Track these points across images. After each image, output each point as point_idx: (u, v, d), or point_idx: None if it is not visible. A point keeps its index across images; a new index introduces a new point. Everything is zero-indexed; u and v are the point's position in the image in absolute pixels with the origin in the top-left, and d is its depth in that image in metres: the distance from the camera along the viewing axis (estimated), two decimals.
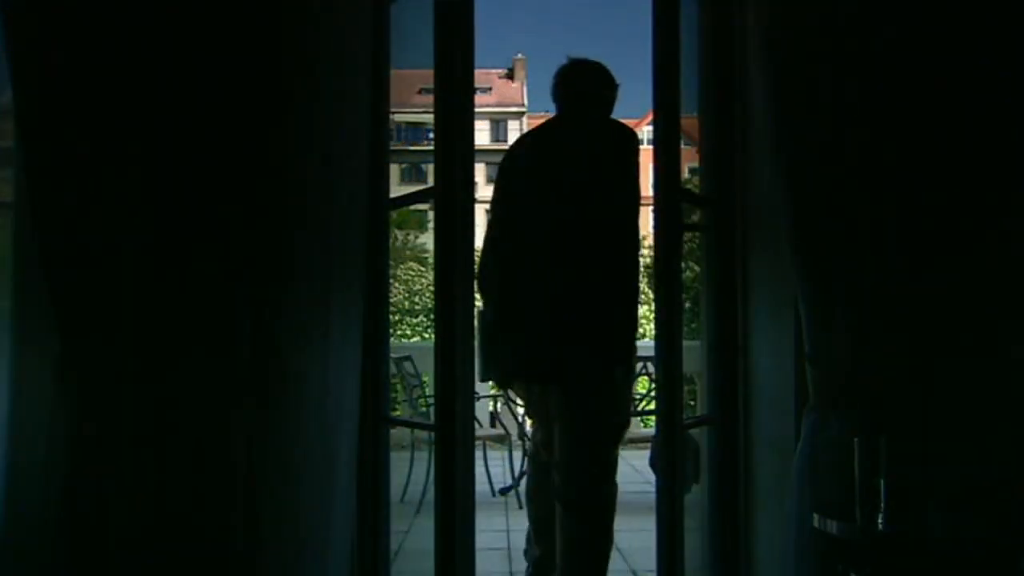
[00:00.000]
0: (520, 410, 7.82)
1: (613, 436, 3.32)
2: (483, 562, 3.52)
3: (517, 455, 6.41)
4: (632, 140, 3.30)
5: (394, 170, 3.30)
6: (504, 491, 6.21)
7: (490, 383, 8.23)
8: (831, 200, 2.69)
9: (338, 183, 2.79)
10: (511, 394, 6.65)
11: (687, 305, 3.31)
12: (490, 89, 52.76)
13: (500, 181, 3.51)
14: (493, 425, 7.52)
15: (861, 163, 2.67)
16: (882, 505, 2.40)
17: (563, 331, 3.18)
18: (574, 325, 3.16)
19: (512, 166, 3.47)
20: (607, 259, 3.20)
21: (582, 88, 3.38)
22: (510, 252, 3.35)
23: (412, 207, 3.29)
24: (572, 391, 3.20)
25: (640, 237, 3.36)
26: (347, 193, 2.84)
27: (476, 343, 2.92)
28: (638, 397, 6.96)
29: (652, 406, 5.88)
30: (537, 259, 3.25)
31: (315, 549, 2.69)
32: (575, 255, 3.19)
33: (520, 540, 4.91)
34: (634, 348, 3.29)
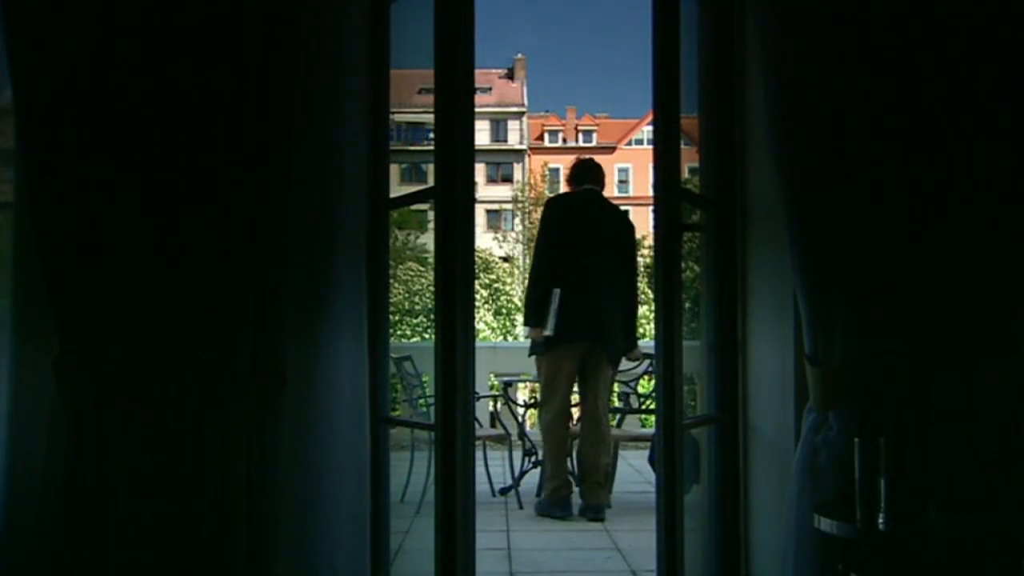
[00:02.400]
0: (520, 410, 7.83)
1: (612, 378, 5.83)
2: (483, 562, 3.52)
3: (517, 455, 6.41)
4: (627, 217, 5.95)
5: (394, 170, 3.30)
6: (504, 491, 6.20)
7: (491, 382, 8.33)
8: (831, 200, 2.69)
9: (338, 182, 2.78)
10: (511, 394, 6.78)
11: (687, 305, 3.32)
12: (490, 89, 52.76)
13: (553, 225, 5.47)
14: (493, 425, 7.51)
15: (861, 163, 2.68)
16: (882, 505, 2.40)
17: (604, 319, 5.35)
18: (610, 316, 5.36)
19: (562, 217, 5.51)
20: (623, 280, 5.42)
21: (594, 174, 5.69)
22: (564, 270, 5.31)
23: (412, 207, 3.29)
24: (605, 351, 5.42)
25: (636, 269, 5.72)
26: (348, 192, 2.83)
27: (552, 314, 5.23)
28: (642, 397, 6.98)
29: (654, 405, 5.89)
30: (586, 277, 5.29)
31: (319, 547, 2.69)
32: (608, 275, 5.33)
33: (520, 541, 4.92)
34: (635, 331, 5.54)
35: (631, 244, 5.63)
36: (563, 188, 6.31)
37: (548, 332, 5.27)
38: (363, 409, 2.92)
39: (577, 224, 5.42)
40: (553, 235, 5.44)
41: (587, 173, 5.64)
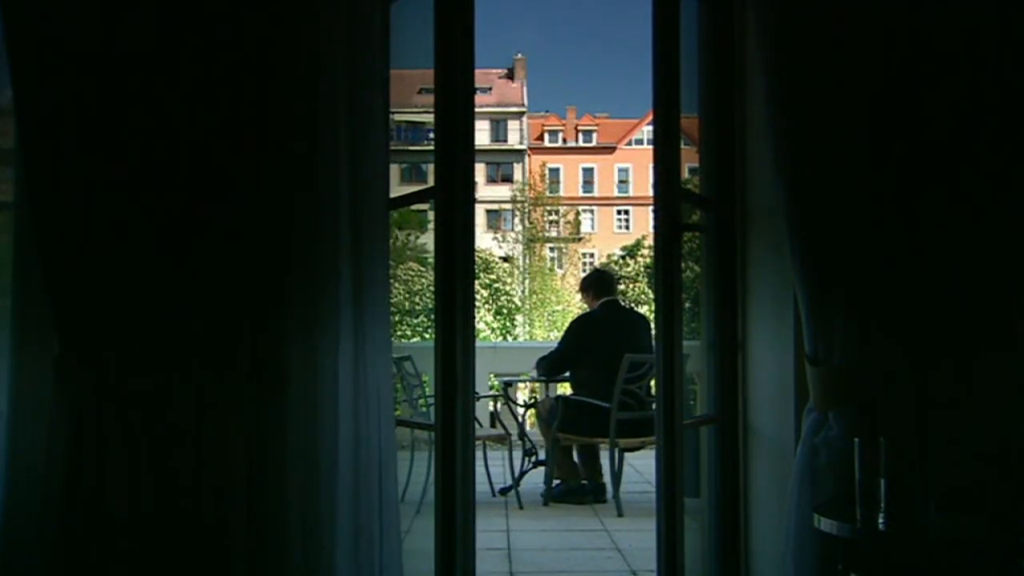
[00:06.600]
0: (520, 410, 7.85)
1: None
2: (483, 562, 3.52)
3: (517, 455, 6.41)
4: (643, 319, 6.51)
5: (394, 170, 3.29)
6: (504, 491, 6.20)
7: (491, 382, 8.33)
8: (831, 200, 2.69)
9: (349, 181, 2.74)
10: (511, 394, 6.83)
11: (687, 305, 3.32)
12: (490, 89, 52.73)
13: (582, 330, 6.27)
14: (493, 425, 7.51)
15: (861, 163, 2.68)
16: (882, 505, 2.40)
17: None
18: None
19: (591, 321, 6.30)
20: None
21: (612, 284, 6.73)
22: (591, 359, 6.07)
23: (412, 207, 3.29)
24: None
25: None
26: (355, 191, 2.79)
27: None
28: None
29: None
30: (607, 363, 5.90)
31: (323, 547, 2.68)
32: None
33: (520, 541, 4.93)
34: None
35: (648, 338, 6.26)
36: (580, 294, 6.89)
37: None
38: (381, 407, 2.86)
39: (600, 335, 6.13)
40: (572, 350, 6.20)
41: (604, 285, 6.47)
